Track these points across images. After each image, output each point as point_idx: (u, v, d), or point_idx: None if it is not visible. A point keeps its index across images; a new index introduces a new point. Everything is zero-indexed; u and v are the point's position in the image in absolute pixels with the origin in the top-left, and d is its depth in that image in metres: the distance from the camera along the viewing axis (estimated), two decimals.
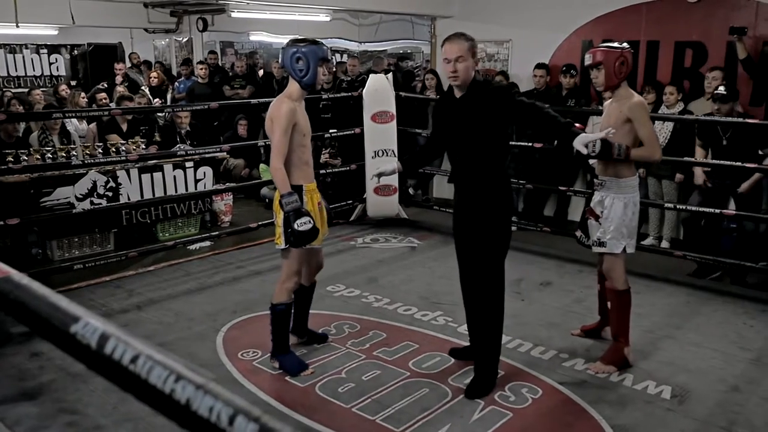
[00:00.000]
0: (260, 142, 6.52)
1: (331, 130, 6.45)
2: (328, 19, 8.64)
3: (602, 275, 3.85)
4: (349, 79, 7.61)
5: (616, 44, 3.58)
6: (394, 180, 6.41)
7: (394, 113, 6.35)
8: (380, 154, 6.33)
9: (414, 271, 5.37)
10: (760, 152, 5.11)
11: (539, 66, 6.77)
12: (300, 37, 3.48)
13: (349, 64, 7.66)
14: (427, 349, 3.91)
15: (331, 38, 9.08)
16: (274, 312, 3.57)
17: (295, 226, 3.26)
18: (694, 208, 5.15)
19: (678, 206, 5.41)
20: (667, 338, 4.10)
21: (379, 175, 3.62)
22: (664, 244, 6.08)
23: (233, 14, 8.39)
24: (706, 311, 4.58)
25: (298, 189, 3.39)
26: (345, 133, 6.51)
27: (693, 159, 5.45)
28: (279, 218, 3.42)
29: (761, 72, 5.65)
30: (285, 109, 3.29)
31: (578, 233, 3.88)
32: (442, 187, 7.93)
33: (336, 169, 6.71)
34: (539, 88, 6.76)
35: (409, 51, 9.16)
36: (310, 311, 4.14)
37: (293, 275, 3.55)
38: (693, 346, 4.00)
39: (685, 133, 5.76)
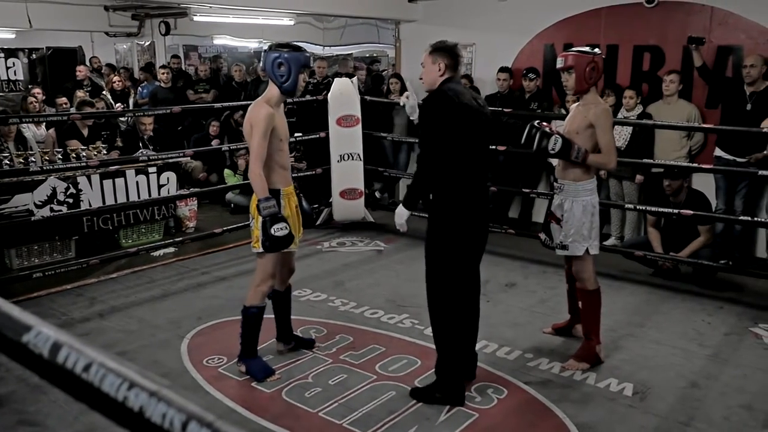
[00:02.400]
0: (225, 147, 6.47)
1: (296, 134, 6.43)
2: (292, 23, 8.62)
3: (570, 275, 3.91)
4: (315, 81, 7.60)
5: (587, 49, 3.63)
6: (359, 183, 6.43)
7: (360, 117, 6.36)
8: (345, 158, 6.34)
9: (380, 274, 5.38)
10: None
11: (502, 69, 6.85)
12: (282, 42, 3.46)
13: (317, 66, 7.65)
14: (393, 352, 3.92)
15: (296, 42, 9.06)
16: (246, 315, 3.55)
17: (272, 232, 3.27)
18: (654, 209, 5.25)
19: (638, 207, 5.51)
20: (629, 336, 4.19)
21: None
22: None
23: (195, 18, 8.30)
24: (665, 309, 4.68)
25: (275, 193, 3.38)
26: (310, 137, 6.49)
27: (652, 161, 5.58)
28: (256, 222, 3.41)
29: (716, 78, 5.81)
30: (264, 114, 3.28)
31: (542, 236, 3.95)
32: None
33: (301, 173, 6.69)
34: (502, 92, 6.85)
35: (374, 55, 9.19)
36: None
37: (268, 278, 3.53)
38: (654, 344, 4.08)
39: (644, 136, 5.89)
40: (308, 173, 6.68)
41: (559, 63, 3.60)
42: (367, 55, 9.27)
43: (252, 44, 10.82)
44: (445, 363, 3.34)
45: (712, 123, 5.75)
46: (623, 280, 5.20)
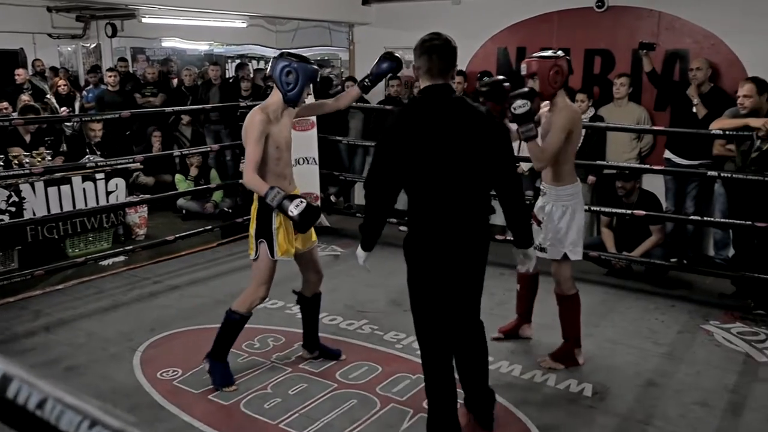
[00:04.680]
0: (176, 152, 6.31)
1: None
2: (244, 25, 8.48)
3: (524, 277, 3.93)
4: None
5: (550, 53, 3.58)
6: (316, 188, 6.36)
7: (315, 120, 6.28)
8: (301, 162, 6.25)
9: (338, 280, 5.31)
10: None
11: (457, 73, 6.87)
12: (293, 51, 3.45)
13: None
14: (353, 359, 3.87)
15: (247, 45, 8.93)
16: (227, 319, 3.49)
17: (290, 213, 3.16)
18: (608, 210, 5.34)
19: (592, 208, 5.58)
20: (587, 336, 4.20)
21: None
22: None
23: (144, 20, 8.08)
24: (620, 308, 4.76)
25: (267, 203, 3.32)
26: None
27: (605, 162, 5.67)
28: (252, 228, 3.40)
29: (664, 82, 5.95)
30: (257, 120, 3.25)
31: None
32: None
33: None
34: (458, 94, 6.86)
35: (326, 58, 9.13)
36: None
37: (261, 285, 3.46)
38: (610, 343, 4.13)
39: (596, 138, 5.99)
40: None
41: (523, 70, 3.55)
42: (318, 58, 9.19)
43: (202, 47, 10.62)
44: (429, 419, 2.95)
45: (662, 125, 5.90)
46: (578, 281, 5.19)
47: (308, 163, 6.26)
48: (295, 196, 3.24)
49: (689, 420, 3.27)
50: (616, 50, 6.33)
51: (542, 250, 3.68)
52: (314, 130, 6.30)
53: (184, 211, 7.32)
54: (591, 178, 6.05)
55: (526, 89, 3.45)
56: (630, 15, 6.21)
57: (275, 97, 3.37)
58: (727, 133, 4.55)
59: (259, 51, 9.40)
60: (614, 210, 5.25)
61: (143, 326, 4.31)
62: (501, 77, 3.59)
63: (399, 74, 7.36)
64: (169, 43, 10.53)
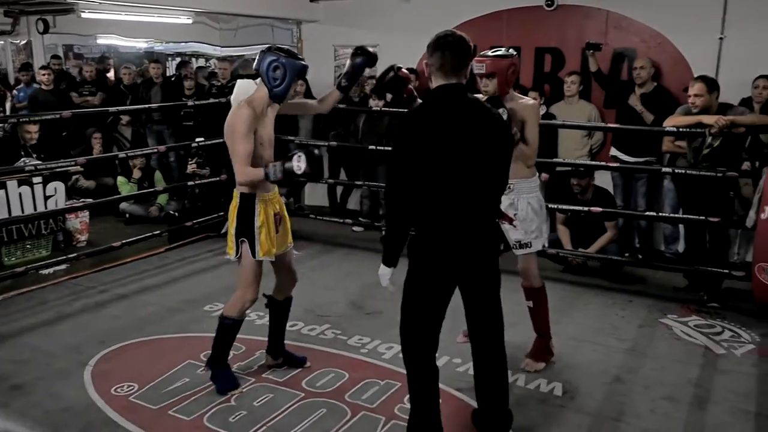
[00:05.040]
0: (122, 154, 6.03)
1: (198, 139, 6.09)
2: (190, 21, 8.18)
3: None
4: (219, 84, 7.25)
5: (502, 51, 3.52)
6: None
7: None
8: None
9: None
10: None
11: (408, 71, 6.79)
12: (282, 46, 3.34)
13: (220, 68, 7.28)
14: (318, 366, 3.74)
15: (190, 42, 8.65)
16: (221, 325, 3.43)
17: (299, 171, 3.05)
18: (565, 207, 5.37)
19: (549, 205, 5.60)
20: (552, 334, 4.22)
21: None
22: None
23: (84, 15, 7.68)
24: (580, 305, 4.78)
25: (251, 198, 3.27)
26: (215, 141, 6.15)
27: (561, 160, 5.72)
28: (232, 227, 3.32)
29: (610, 81, 6.04)
30: (244, 115, 3.16)
31: None
32: (315, 195, 7.78)
33: (204, 180, 6.35)
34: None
35: None
36: (191, 334, 3.90)
37: (248, 287, 3.37)
38: (574, 341, 4.14)
39: (549, 135, 6.02)
40: (213, 180, 6.35)
41: (478, 69, 3.43)
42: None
43: (141, 44, 10.22)
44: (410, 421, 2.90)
45: (611, 123, 5.98)
46: None
47: None
48: (290, 156, 3.12)
49: (659, 415, 3.29)
50: (565, 48, 6.39)
51: (524, 245, 3.63)
52: None
53: (127, 215, 7.02)
54: (544, 176, 6.08)
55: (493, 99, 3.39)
56: (579, 14, 6.27)
57: (261, 92, 3.26)
58: (680, 130, 4.62)
59: (201, 48, 9.10)
60: (572, 207, 5.29)
61: (92, 339, 4.07)
62: None
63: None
64: (104, 40, 10.09)
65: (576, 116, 5.97)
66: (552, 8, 6.31)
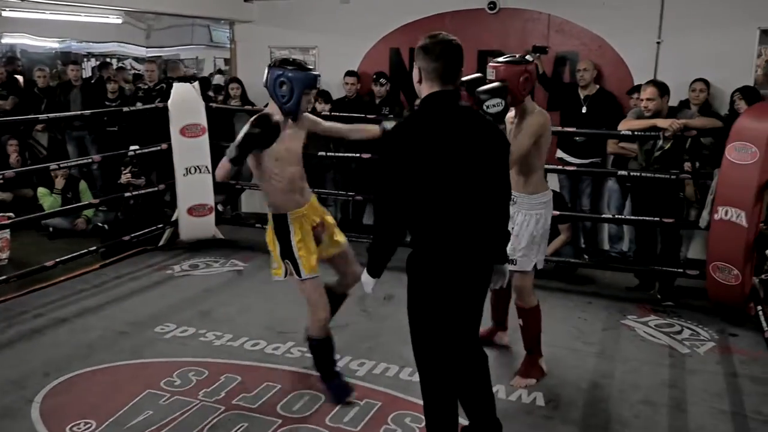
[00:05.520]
0: (53, 165, 5.52)
1: (132, 147, 5.69)
2: (119, 21, 7.68)
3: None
4: (146, 87, 6.83)
5: (517, 57, 3.44)
6: (209, 198, 5.88)
7: (206, 126, 5.80)
8: (192, 171, 5.74)
9: (249, 298, 4.91)
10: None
11: (349, 74, 6.66)
12: (288, 59, 3.27)
13: (147, 70, 6.86)
14: (291, 388, 3.54)
15: (110, 42, 8.14)
16: (310, 346, 3.47)
17: (253, 130, 2.98)
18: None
19: None
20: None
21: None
22: None
23: (4, 14, 7.06)
24: (545, 309, 4.73)
25: (282, 218, 3.25)
26: (150, 149, 5.79)
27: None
28: (275, 250, 3.28)
29: (554, 84, 6.11)
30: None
31: None
32: (253, 202, 7.50)
33: (140, 191, 5.95)
34: (350, 96, 6.66)
35: (201, 58, 8.55)
36: (146, 360, 3.76)
37: (316, 305, 3.32)
38: (546, 346, 4.04)
39: None
40: (151, 190, 5.97)
41: (490, 75, 3.34)
42: (192, 57, 8.60)
43: (54, 44, 9.55)
44: None
45: (555, 126, 6.05)
46: None
47: (200, 172, 5.77)
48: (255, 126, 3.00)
49: (643, 420, 3.29)
50: (508, 51, 6.36)
51: (511, 262, 3.50)
52: (206, 136, 5.81)
53: (51, 229, 6.50)
54: None
55: (497, 85, 3.22)
56: (521, 17, 6.31)
57: (273, 108, 3.19)
58: (635, 133, 4.70)
59: (128, 50, 8.58)
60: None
61: (35, 371, 3.68)
62: (479, 75, 3.41)
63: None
64: (11, 39, 9.37)
65: None
66: (494, 11, 6.33)
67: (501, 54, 5.05)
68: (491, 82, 3.32)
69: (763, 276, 4.44)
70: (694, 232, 5.52)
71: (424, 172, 2.40)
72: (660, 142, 4.70)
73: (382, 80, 6.49)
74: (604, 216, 5.57)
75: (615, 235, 5.98)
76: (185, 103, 5.72)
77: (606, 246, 6.16)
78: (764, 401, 3.50)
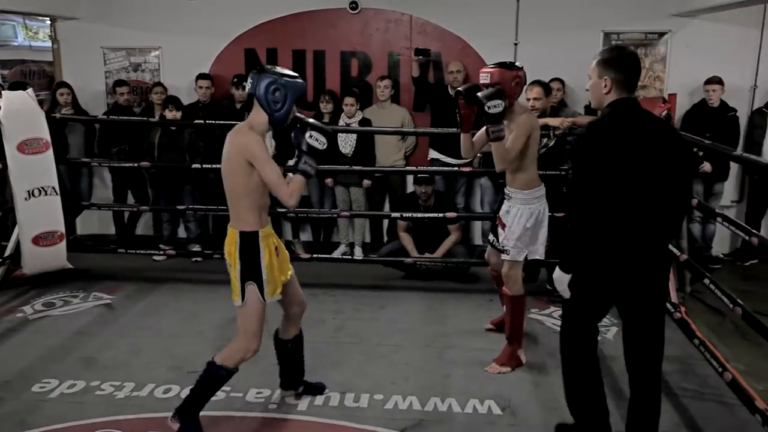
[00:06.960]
0: None
1: None
2: None
3: (498, 276, 4.03)
4: None
5: (509, 63, 3.64)
6: (59, 224, 5.05)
7: (50, 140, 4.96)
8: (36, 193, 4.89)
9: (133, 336, 4.28)
10: None
11: (202, 77, 6.11)
12: (275, 67, 3.01)
13: None
14: None
15: None
16: (212, 373, 3.01)
17: (321, 146, 2.94)
18: (420, 215, 5.31)
19: (392, 214, 5.50)
20: (447, 348, 4.12)
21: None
22: (357, 251, 6.17)
23: None
24: (450, 311, 4.77)
25: (253, 236, 2.94)
26: None
27: (386, 167, 5.67)
28: (235, 271, 2.95)
29: (422, 85, 6.15)
30: (256, 140, 2.86)
31: (491, 237, 4.07)
32: (90, 223, 6.63)
33: None
34: (204, 101, 6.12)
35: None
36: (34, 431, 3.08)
37: (254, 336, 3.00)
38: (472, 351, 4.08)
39: (367, 141, 5.92)
40: None
41: (483, 80, 3.54)
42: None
43: None
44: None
45: (423, 125, 6.10)
46: (390, 290, 5.15)
47: (46, 194, 4.93)
48: (299, 143, 2.94)
49: None
50: (372, 52, 6.32)
51: (505, 251, 3.77)
52: (50, 152, 4.98)
53: None
54: (366, 182, 5.97)
55: (496, 88, 3.48)
56: (383, 17, 6.26)
57: (259, 116, 2.93)
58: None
59: None
60: (427, 215, 5.27)
61: None
62: (473, 84, 3.69)
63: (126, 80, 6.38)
64: None
65: (390, 121, 5.96)
66: (356, 11, 6.20)
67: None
68: (486, 86, 3.53)
69: None
70: None
71: (613, 174, 2.56)
72: (545, 140, 4.90)
73: (245, 83, 6.02)
74: (487, 213, 5.67)
75: (488, 230, 6.16)
76: (21, 114, 4.84)
77: (479, 241, 6.34)
78: (684, 378, 3.77)
